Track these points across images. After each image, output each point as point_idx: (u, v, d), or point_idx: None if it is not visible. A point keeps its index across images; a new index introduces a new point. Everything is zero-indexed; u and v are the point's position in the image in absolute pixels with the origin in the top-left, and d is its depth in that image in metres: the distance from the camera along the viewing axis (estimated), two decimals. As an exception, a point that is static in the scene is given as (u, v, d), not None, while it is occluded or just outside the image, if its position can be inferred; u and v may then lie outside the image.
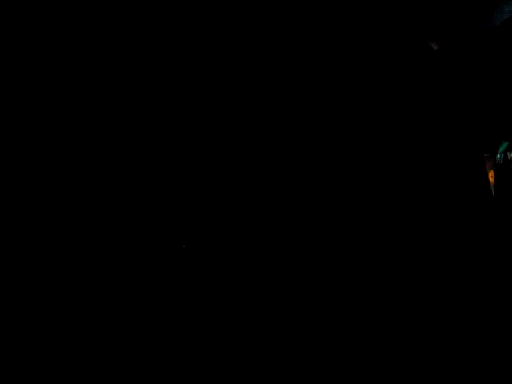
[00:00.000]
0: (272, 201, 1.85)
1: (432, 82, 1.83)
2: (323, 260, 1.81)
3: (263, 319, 1.83)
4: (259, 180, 1.87)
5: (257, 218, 1.85)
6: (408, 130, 1.77)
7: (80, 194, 2.02)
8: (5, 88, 2.15)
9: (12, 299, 2.04)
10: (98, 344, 1.93)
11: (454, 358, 1.80)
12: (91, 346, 1.92)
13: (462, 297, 1.81)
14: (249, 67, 1.94)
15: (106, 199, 2.01)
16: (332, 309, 1.78)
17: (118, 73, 2.02)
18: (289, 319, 1.83)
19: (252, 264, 1.83)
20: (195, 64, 1.96)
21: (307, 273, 1.82)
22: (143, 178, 1.95)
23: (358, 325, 1.79)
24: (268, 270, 1.84)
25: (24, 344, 2.01)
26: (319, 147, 1.85)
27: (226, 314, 1.83)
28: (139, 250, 1.94)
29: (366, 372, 1.81)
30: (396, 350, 1.80)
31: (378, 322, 1.79)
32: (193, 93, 1.95)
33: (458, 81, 1.89)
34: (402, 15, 1.98)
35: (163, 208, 1.94)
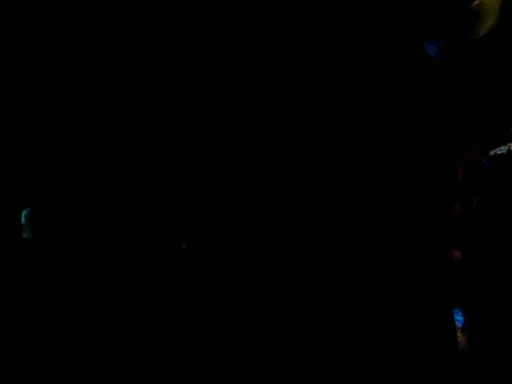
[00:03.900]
0: (271, 201, 1.86)
1: (424, 87, 1.83)
2: (321, 259, 1.82)
3: (262, 318, 1.85)
4: (258, 180, 1.88)
5: (256, 219, 1.87)
6: (402, 131, 1.78)
7: (80, 193, 2.03)
8: (5, 87, 2.16)
9: (13, 297, 2.05)
10: (98, 341, 1.95)
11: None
12: (91, 344, 1.94)
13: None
14: (249, 68, 1.96)
15: (106, 199, 2.02)
16: (329, 307, 1.80)
17: (118, 74, 2.04)
18: (287, 318, 1.84)
19: (252, 264, 1.85)
20: (195, 65, 1.97)
21: (305, 272, 1.83)
22: (143, 179, 1.97)
23: (355, 323, 1.80)
24: (267, 269, 1.86)
25: (25, 342, 2.03)
26: (317, 148, 1.86)
27: (226, 313, 1.85)
28: (140, 249, 1.96)
29: (363, 370, 1.82)
30: (393, 349, 1.82)
31: (374, 320, 1.80)
32: (192, 94, 1.96)
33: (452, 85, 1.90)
34: (400, 20, 1.99)
35: (163, 208, 1.96)
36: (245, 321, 1.83)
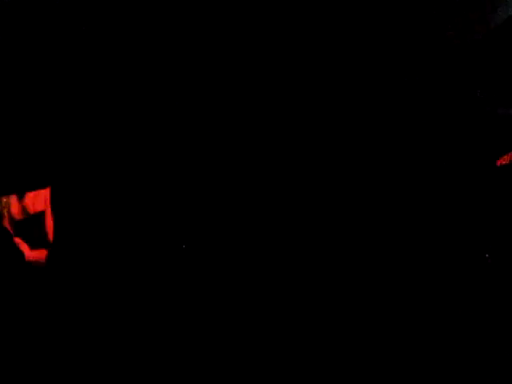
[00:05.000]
0: (271, 201, 1.85)
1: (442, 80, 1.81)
2: (322, 260, 1.81)
3: (262, 319, 1.84)
4: (258, 181, 1.87)
5: (256, 219, 1.86)
6: (412, 129, 1.76)
7: (80, 193, 2.02)
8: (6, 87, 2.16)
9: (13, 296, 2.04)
10: (98, 342, 1.94)
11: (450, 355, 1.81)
12: (92, 344, 1.93)
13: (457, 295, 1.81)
14: (249, 68, 1.95)
15: (107, 199, 2.01)
16: (330, 308, 1.79)
17: (119, 73, 2.03)
18: (288, 319, 1.83)
19: (252, 264, 1.84)
20: (195, 65, 1.97)
21: (306, 272, 1.82)
22: (143, 179, 1.96)
23: (357, 324, 1.79)
24: (267, 270, 1.85)
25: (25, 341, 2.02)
26: (319, 147, 1.85)
27: (226, 313, 1.84)
28: (140, 250, 1.95)
29: (364, 370, 1.81)
30: (394, 349, 1.81)
31: (376, 321, 1.79)
32: (193, 94, 1.96)
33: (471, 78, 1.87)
34: (410, 13, 1.96)
35: (163, 209, 1.95)
36: (245, 320, 1.83)
